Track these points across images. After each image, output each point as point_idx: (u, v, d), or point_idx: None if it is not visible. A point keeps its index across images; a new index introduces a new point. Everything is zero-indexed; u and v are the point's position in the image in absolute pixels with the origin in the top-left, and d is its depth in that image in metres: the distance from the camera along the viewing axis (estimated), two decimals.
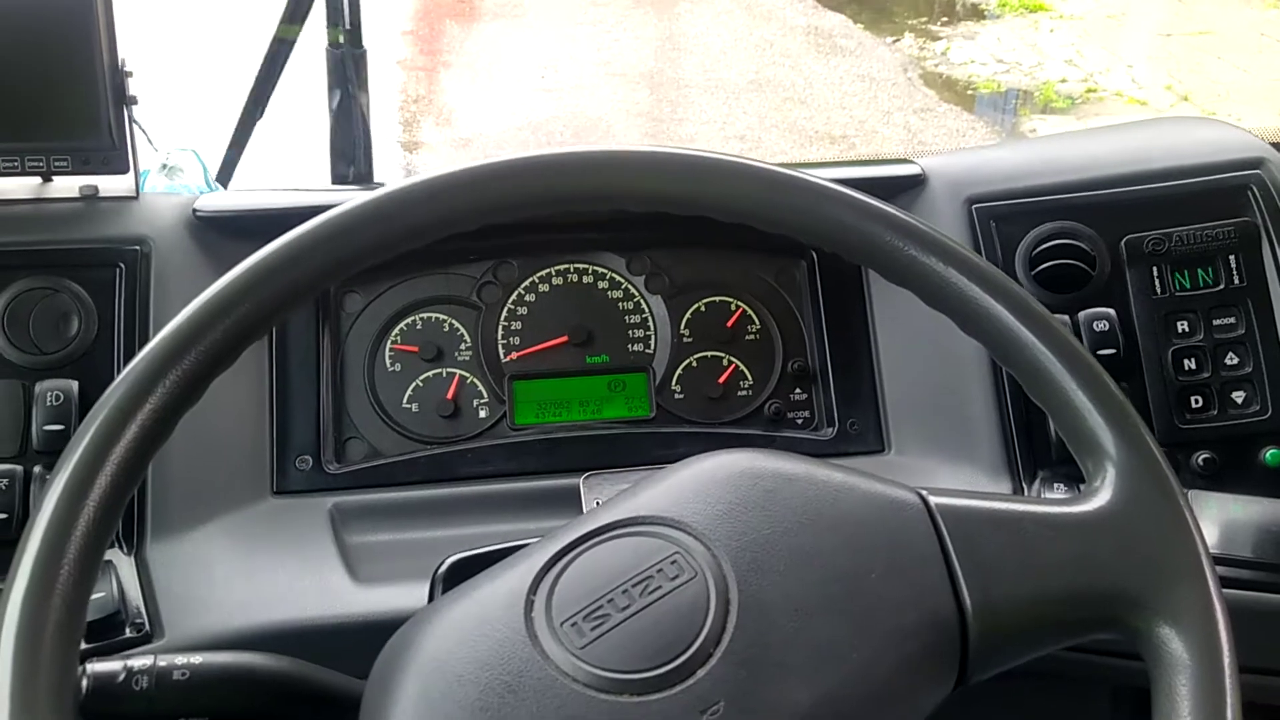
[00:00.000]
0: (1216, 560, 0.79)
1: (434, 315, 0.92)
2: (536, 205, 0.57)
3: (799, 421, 0.93)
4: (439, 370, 0.91)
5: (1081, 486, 0.53)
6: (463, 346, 0.92)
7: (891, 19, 5.62)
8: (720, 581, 0.49)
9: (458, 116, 4.51)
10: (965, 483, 0.85)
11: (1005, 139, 4.15)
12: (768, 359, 0.94)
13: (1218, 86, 4.56)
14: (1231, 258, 0.85)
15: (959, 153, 0.97)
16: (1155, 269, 0.86)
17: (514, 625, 0.49)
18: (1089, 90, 4.71)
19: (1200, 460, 0.83)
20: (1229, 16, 5.46)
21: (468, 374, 0.91)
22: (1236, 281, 0.85)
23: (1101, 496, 0.52)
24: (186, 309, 0.52)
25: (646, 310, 0.94)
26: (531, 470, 0.88)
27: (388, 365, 0.91)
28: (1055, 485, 0.83)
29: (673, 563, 0.50)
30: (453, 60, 5.07)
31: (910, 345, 0.91)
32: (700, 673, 0.47)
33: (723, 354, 0.94)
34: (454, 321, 0.92)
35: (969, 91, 4.76)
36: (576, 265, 0.94)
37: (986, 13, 5.72)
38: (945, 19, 5.64)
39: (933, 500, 0.53)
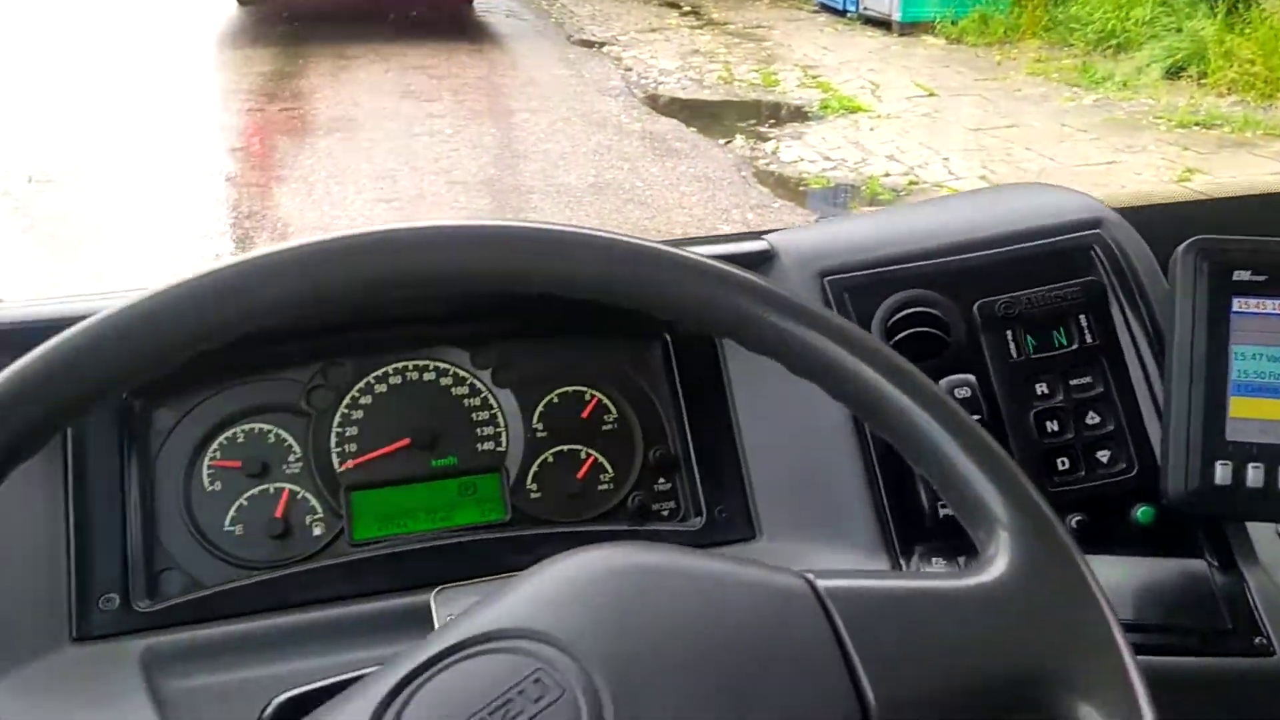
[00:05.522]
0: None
1: (257, 426, 0.83)
2: (366, 290, 0.50)
3: (664, 513, 0.88)
4: (265, 486, 0.82)
5: (962, 560, 0.50)
6: (291, 458, 0.83)
7: (721, 122, 5.82)
8: (592, 699, 0.43)
9: (294, 231, 4.38)
10: (843, 564, 0.81)
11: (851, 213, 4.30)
12: (628, 449, 0.88)
13: (1028, 174, 4.85)
14: (1082, 317, 0.85)
15: (806, 227, 0.96)
16: (1010, 332, 0.85)
17: None
18: (911, 183, 4.94)
19: (1074, 523, 0.81)
20: (1032, 111, 5.87)
21: (298, 488, 0.82)
22: (1089, 340, 0.84)
23: (997, 566, 0.48)
24: None
25: (495, 406, 0.88)
26: (375, 590, 0.79)
27: (206, 484, 0.81)
28: (933, 560, 0.79)
29: (535, 682, 0.43)
30: (286, 175, 4.96)
31: (774, 424, 0.87)
32: None
33: (580, 447, 0.88)
34: (280, 431, 0.84)
35: (800, 188, 4.93)
36: (416, 362, 0.87)
37: (810, 114, 5.99)
38: (772, 121, 5.87)
39: (821, 585, 0.48)
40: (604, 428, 0.89)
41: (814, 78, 6.68)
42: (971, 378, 0.84)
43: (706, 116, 5.92)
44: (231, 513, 0.81)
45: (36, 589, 0.73)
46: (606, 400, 0.89)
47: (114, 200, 4.40)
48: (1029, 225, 0.88)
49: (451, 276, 0.51)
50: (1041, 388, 0.84)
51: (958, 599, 0.47)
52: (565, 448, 0.87)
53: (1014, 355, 0.85)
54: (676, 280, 0.53)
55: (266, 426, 0.83)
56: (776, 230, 0.95)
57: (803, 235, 0.93)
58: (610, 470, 0.88)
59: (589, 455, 0.88)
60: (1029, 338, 0.85)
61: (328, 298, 0.49)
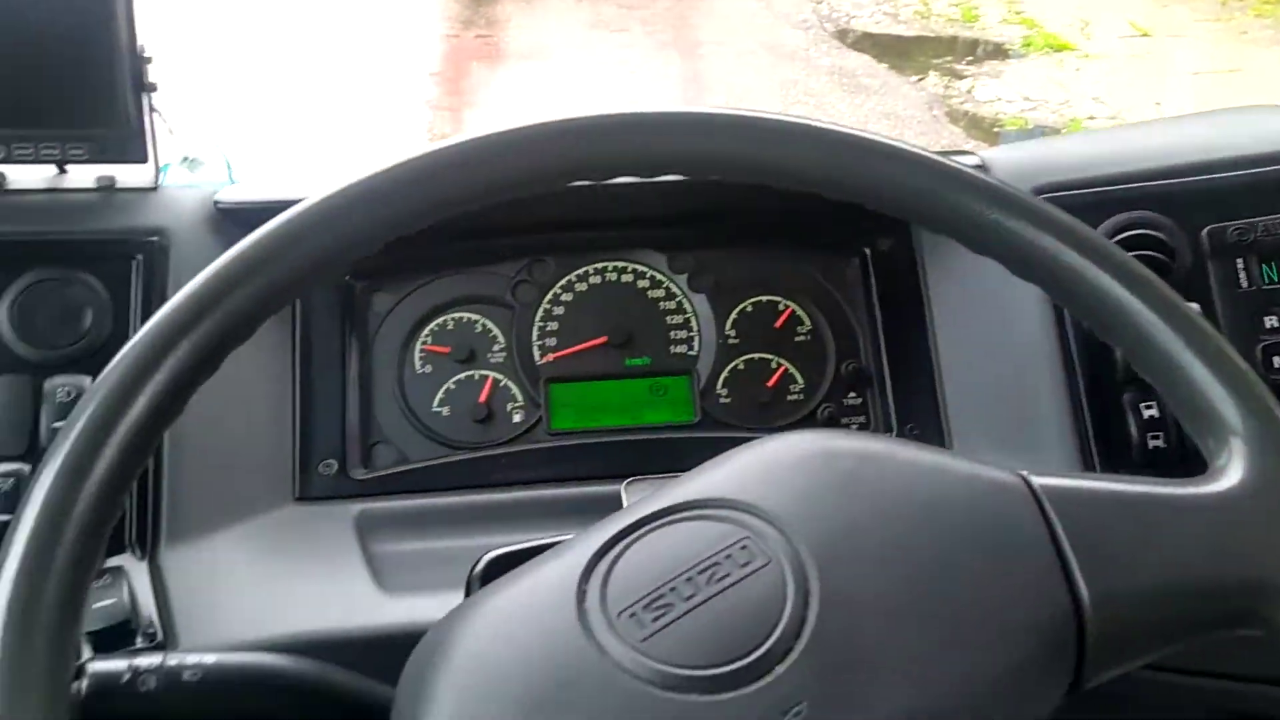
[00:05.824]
0: None
1: (466, 315, 0.87)
2: (602, 170, 0.51)
3: (854, 427, 0.87)
4: (471, 372, 0.86)
5: None
6: (496, 348, 0.87)
7: (914, 59, 5.61)
8: (798, 570, 0.43)
9: None
10: None
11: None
12: (819, 361, 0.88)
13: None
14: None
15: (1021, 144, 0.92)
16: (1240, 261, 0.80)
17: (564, 617, 0.43)
18: (1117, 126, 4.66)
19: None
20: (1258, 55, 5.43)
21: (501, 376, 0.86)
22: None
23: (1230, 476, 0.46)
24: (202, 274, 0.47)
25: (689, 310, 0.89)
26: (569, 476, 0.82)
27: (417, 367, 0.86)
28: None
29: (743, 548, 0.44)
30: (479, 100, 5.08)
31: (972, 343, 0.85)
32: (779, 670, 0.41)
33: (771, 356, 0.88)
34: (487, 322, 0.87)
35: (994, 129, 4.71)
36: (615, 263, 0.89)
37: (1011, 52, 5.70)
38: (970, 58, 5.62)
39: (1036, 482, 0.47)
40: (796, 339, 0.89)
41: (1018, 13, 6.34)
42: (1196, 306, 0.79)
43: (899, 53, 5.71)
44: (439, 394, 0.85)
45: (265, 450, 0.80)
46: (800, 311, 0.89)
47: (320, 117, 4.61)
48: (1270, 148, 0.82)
49: (678, 160, 0.51)
50: (1272, 321, 0.79)
51: (1184, 505, 0.45)
52: (756, 356, 0.88)
53: (1244, 285, 0.80)
54: (900, 174, 0.53)
55: (475, 316, 0.87)
56: (988, 148, 0.92)
57: (1017, 151, 0.90)
58: (801, 381, 0.88)
59: (780, 365, 0.88)
60: (1263, 267, 0.80)
61: (556, 177, 0.50)
